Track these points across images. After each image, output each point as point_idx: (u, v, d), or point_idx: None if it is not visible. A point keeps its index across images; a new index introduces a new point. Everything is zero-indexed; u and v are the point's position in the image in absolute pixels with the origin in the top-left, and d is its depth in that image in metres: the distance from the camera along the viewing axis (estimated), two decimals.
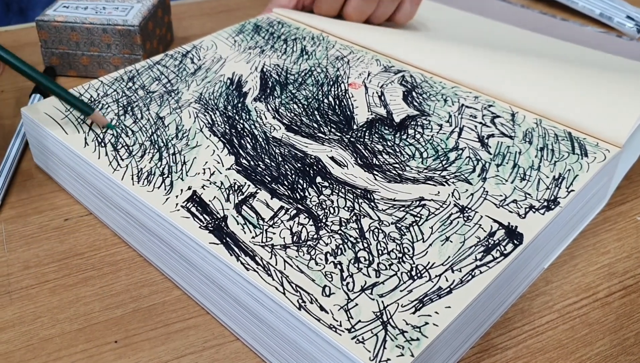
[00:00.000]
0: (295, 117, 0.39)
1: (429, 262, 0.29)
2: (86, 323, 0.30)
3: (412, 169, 0.35)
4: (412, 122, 0.38)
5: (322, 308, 0.26)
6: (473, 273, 0.28)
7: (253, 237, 0.30)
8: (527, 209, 0.32)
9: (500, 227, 0.31)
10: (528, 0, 0.68)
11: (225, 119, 0.39)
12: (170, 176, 0.34)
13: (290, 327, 0.27)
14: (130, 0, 0.51)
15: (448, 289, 0.27)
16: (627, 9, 0.61)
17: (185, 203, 0.32)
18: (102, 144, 0.36)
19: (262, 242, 0.30)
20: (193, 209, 0.32)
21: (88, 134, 0.37)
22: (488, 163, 0.35)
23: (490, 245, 0.30)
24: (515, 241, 0.30)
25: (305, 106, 0.40)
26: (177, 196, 0.32)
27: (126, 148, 0.36)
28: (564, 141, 0.37)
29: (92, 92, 0.41)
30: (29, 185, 0.39)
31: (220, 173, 0.34)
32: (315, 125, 0.38)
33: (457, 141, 0.37)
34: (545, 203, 0.32)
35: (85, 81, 0.44)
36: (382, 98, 0.41)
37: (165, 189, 0.33)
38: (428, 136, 0.37)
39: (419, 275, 0.28)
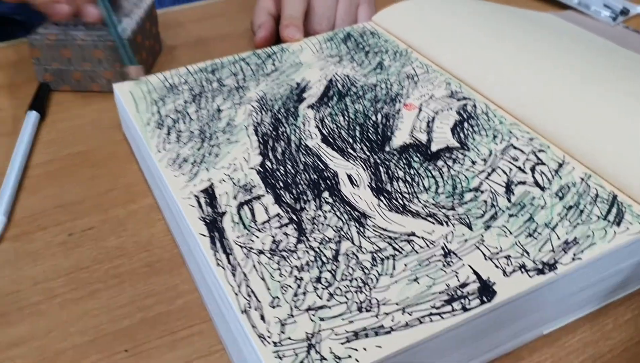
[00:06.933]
0: (335, 130, 0.40)
1: (384, 298, 0.29)
2: (96, 334, 0.32)
3: (419, 202, 0.34)
4: (446, 154, 0.37)
5: (262, 317, 0.28)
6: (422, 320, 0.27)
7: (238, 237, 0.32)
8: (516, 268, 0.30)
9: (477, 280, 0.29)
10: None
11: (273, 120, 0.41)
12: (199, 165, 0.37)
13: (237, 328, 0.29)
14: (118, 14, 0.51)
15: (389, 329, 0.27)
16: None
17: (199, 192, 0.35)
18: (160, 126, 0.41)
19: (243, 243, 0.32)
20: (202, 200, 0.34)
21: (153, 115, 0.42)
22: (501, 211, 0.33)
23: (455, 296, 0.28)
24: (485, 299, 0.28)
25: (351, 120, 0.41)
26: (195, 185, 0.36)
27: (178, 133, 0.40)
28: (601, 203, 0.33)
29: (175, 79, 0.46)
30: (31, 202, 0.41)
31: (242, 171, 0.37)
32: (351, 140, 0.39)
33: (482, 182, 0.35)
34: (540, 266, 0.30)
35: (79, 95, 0.50)
36: (430, 124, 0.40)
37: (189, 177, 0.36)
38: (455, 171, 0.36)
39: (368, 308, 0.28)
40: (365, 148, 0.38)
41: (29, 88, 0.52)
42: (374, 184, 0.35)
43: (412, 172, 0.36)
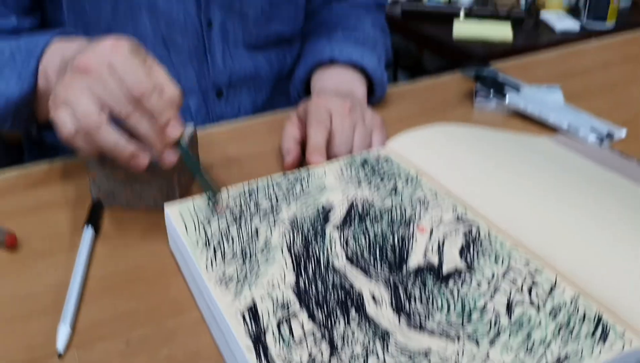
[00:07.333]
0: (358, 250, 0.46)
1: None
2: None
3: (434, 320, 0.40)
4: (456, 276, 0.43)
5: None
6: None
7: (280, 352, 0.38)
8: None
9: None
10: (504, 116, 0.76)
11: (303, 241, 0.47)
12: (242, 284, 0.43)
13: None
14: None
15: None
16: (591, 122, 0.71)
17: (243, 309, 0.41)
18: (207, 246, 0.47)
19: (284, 357, 0.37)
20: (246, 316, 0.40)
21: (200, 235, 0.48)
22: (504, 330, 0.39)
23: None
24: None
25: (372, 241, 0.47)
26: (240, 302, 0.42)
27: (222, 252, 0.46)
28: (588, 322, 0.39)
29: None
30: (91, 313, 0.47)
31: (279, 289, 0.43)
32: (372, 260, 0.45)
33: (487, 302, 0.41)
34: None
35: (128, 211, 0.58)
36: (440, 247, 0.46)
37: (234, 295, 0.42)
38: (464, 292, 0.42)
39: None
40: (385, 268, 0.44)
41: (81, 204, 0.59)
42: (394, 304, 0.41)
43: (427, 292, 0.42)
